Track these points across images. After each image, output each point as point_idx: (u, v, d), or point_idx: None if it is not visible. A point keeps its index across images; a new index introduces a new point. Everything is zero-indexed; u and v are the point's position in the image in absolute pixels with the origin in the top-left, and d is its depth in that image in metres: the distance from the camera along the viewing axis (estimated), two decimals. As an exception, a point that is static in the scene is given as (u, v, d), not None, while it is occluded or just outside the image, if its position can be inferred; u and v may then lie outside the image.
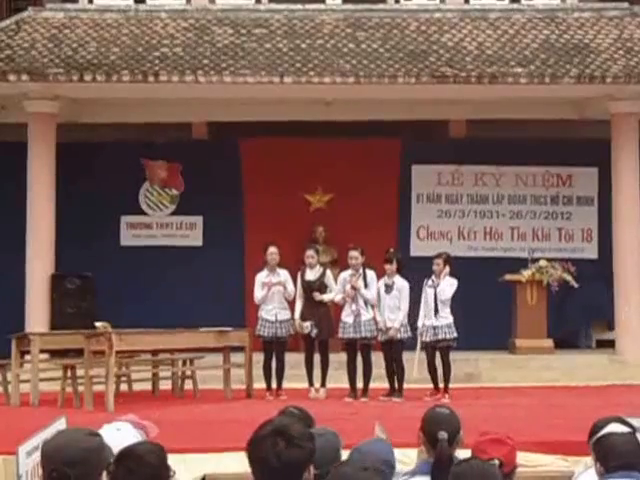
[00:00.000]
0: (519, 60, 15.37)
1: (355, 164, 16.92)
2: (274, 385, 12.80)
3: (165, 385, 13.35)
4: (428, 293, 12.66)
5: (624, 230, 15.62)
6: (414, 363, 12.79)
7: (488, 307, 15.92)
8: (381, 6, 16.99)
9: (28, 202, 15.40)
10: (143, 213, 17.62)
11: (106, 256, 16.68)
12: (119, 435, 3.78)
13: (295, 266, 13.49)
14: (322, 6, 16.85)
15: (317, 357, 12.89)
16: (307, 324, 12.64)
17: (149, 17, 16.42)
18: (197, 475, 8.40)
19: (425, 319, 12.65)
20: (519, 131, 16.81)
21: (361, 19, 16.40)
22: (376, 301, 12.59)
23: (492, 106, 16.22)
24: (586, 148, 16.80)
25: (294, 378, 13.13)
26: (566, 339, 16.72)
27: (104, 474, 3.34)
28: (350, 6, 16.84)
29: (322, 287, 12.83)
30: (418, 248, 17.05)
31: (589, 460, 4.49)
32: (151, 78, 14.85)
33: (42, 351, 12.51)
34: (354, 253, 12.63)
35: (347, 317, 12.59)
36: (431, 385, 12.65)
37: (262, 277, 12.97)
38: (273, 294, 12.84)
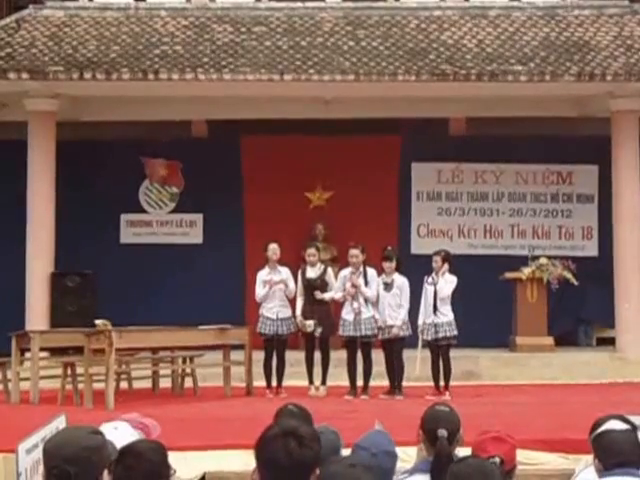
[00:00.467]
0: (519, 58, 15.37)
1: (355, 162, 16.93)
2: (274, 383, 12.80)
3: (165, 383, 13.34)
4: (428, 291, 12.64)
5: (624, 228, 15.62)
6: (416, 361, 12.78)
7: (488, 305, 15.92)
8: (381, 4, 16.99)
9: (28, 200, 15.41)
10: (143, 211, 17.64)
11: (106, 254, 16.69)
12: (116, 434, 3.78)
13: (295, 264, 13.50)
14: (322, 4, 16.85)
15: (317, 355, 12.89)
16: (310, 322, 12.63)
17: (149, 15, 16.43)
18: (197, 473, 8.40)
19: (425, 317, 12.63)
20: (519, 129, 16.81)
21: (361, 17, 16.40)
22: (376, 299, 12.59)
23: (492, 104, 16.21)
24: (586, 146, 16.80)
25: (294, 376, 13.14)
26: (566, 337, 16.72)
27: (105, 472, 3.34)
28: (350, 4, 16.84)
29: (323, 285, 12.83)
30: (418, 246, 17.05)
31: (590, 458, 4.48)
32: (151, 76, 14.85)
33: (42, 349, 12.49)
34: (354, 251, 12.63)
35: (347, 315, 12.58)
36: (432, 383, 12.63)
37: (263, 275, 12.97)
38: (274, 292, 12.84)
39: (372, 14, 16.46)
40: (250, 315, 14.58)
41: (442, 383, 12.57)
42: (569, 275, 16.01)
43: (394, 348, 12.52)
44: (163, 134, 17.08)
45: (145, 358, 13.48)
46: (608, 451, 4.29)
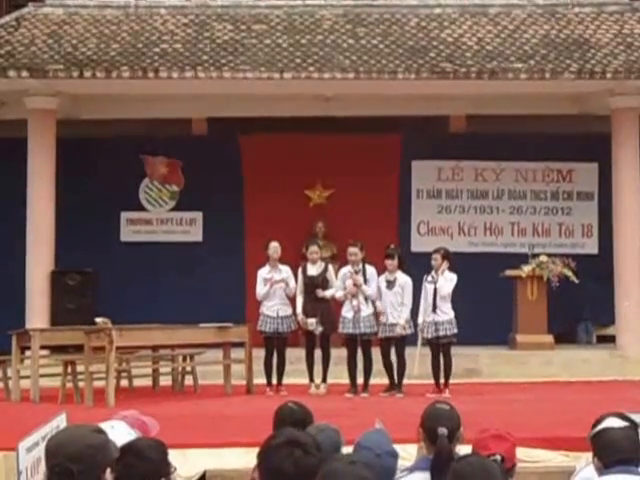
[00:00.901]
0: (519, 55, 15.36)
1: (355, 160, 16.91)
2: (274, 381, 12.81)
3: (165, 381, 13.37)
4: (427, 289, 12.63)
5: (624, 225, 15.62)
6: (415, 359, 12.78)
7: (488, 303, 15.91)
8: (381, 2, 16.96)
9: (28, 198, 15.41)
10: (143, 209, 17.63)
11: (106, 252, 16.68)
12: (113, 433, 3.77)
13: (295, 261, 13.49)
14: (322, 2, 16.82)
15: (318, 353, 12.89)
16: (312, 321, 12.63)
17: (149, 13, 16.42)
18: (198, 470, 8.40)
19: (425, 315, 12.63)
20: (519, 126, 16.80)
21: (361, 15, 16.40)
22: (377, 297, 12.58)
23: (492, 101, 16.22)
24: (586, 143, 16.80)
25: (294, 374, 13.14)
26: (566, 335, 16.72)
27: (108, 471, 3.34)
28: (350, 2, 16.81)
29: (324, 282, 12.83)
30: (419, 244, 17.04)
31: (590, 456, 4.47)
32: (151, 74, 14.83)
33: (42, 347, 12.50)
34: (353, 249, 12.63)
35: (347, 312, 12.59)
36: (431, 381, 12.63)
37: (264, 273, 12.98)
38: (275, 290, 12.85)
39: (372, 12, 16.45)
40: (250, 313, 14.57)
41: (442, 381, 12.58)
42: (569, 273, 16.00)
43: (397, 346, 12.52)
44: (163, 132, 17.07)
45: (145, 356, 13.50)
46: (608, 449, 4.28)
